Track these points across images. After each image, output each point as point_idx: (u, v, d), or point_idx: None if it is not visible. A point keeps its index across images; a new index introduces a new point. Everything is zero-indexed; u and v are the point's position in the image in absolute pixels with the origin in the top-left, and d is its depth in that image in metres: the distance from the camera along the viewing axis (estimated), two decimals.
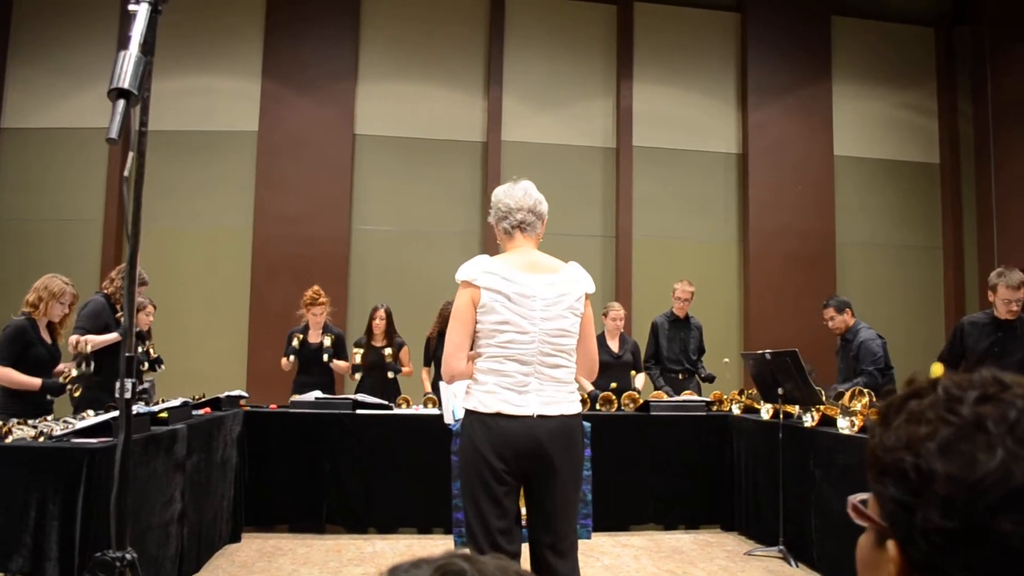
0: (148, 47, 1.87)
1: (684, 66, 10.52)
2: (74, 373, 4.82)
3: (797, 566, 5.44)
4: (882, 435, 0.77)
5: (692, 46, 10.56)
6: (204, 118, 9.60)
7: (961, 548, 0.67)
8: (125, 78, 1.78)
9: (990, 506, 0.66)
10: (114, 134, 1.72)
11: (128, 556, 1.93)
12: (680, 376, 7.51)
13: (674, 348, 7.52)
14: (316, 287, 7.02)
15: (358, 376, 7.16)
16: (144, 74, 1.83)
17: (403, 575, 0.72)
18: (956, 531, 0.67)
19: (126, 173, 1.86)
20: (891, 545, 0.73)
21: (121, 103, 1.78)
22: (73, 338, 5.25)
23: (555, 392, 3.15)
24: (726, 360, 7.91)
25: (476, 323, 3.15)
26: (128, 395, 1.88)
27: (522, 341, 3.11)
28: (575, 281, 3.24)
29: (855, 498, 0.82)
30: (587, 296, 3.28)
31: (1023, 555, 0.65)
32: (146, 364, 5.87)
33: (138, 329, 6.01)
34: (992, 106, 10.66)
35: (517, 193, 3.32)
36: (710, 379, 7.56)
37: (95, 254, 9.23)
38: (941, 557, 0.68)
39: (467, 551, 0.76)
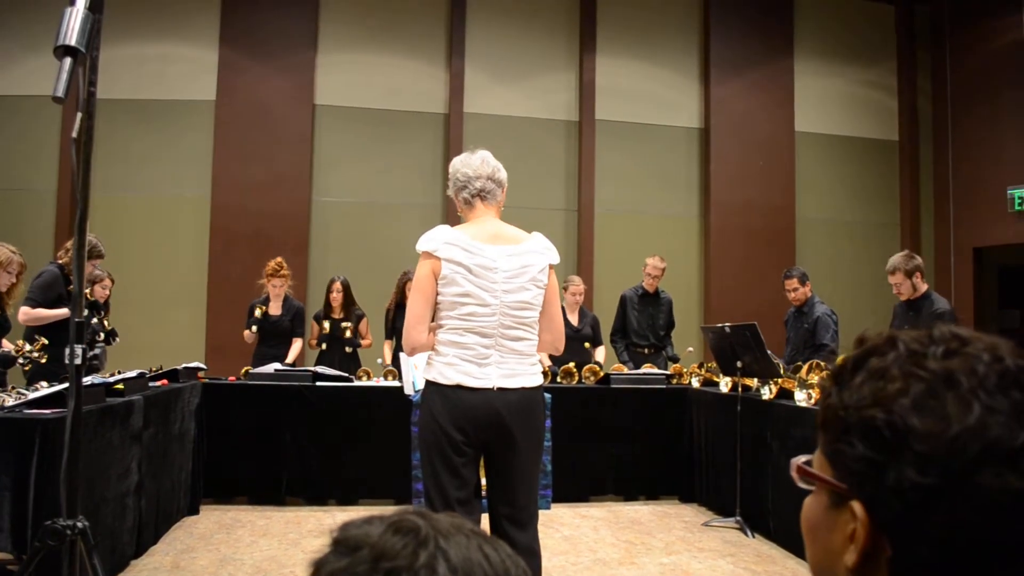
0: (97, 4, 1.81)
1: (647, 40, 10.50)
2: (27, 348, 4.73)
3: (753, 536, 5.52)
4: (841, 394, 0.76)
5: (655, 20, 10.54)
6: (161, 86, 9.41)
7: (940, 504, 0.67)
8: (72, 35, 1.73)
9: (970, 460, 0.66)
10: (60, 93, 1.67)
11: (79, 524, 1.90)
12: (646, 351, 7.52)
13: (643, 322, 7.53)
14: (279, 258, 6.95)
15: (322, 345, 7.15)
16: (92, 32, 1.78)
17: (355, 531, 0.70)
18: (934, 487, 0.67)
19: (74, 134, 1.81)
20: (857, 506, 0.72)
21: (68, 61, 1.72)
22: (22, 311, 5.16)
23: (516, 365, 3.14)
24: (690, 349, 7.95)
25: (437, 294, 3.13)
26: (78, 361, 1.84)
27: (483, 314, 3.09)
28: (539, 252, 3.21)
29: (799, 460, 0.81)
30: (551, 268, 3.26)
31: (1002, 507, 0.66)
32: (101, 335, 5.77)
33: (93, 300, 5.90)
34: (951, 84, 10.79)
35: (475, 161, 3.28)
36: (675, 359, 7.58)
37: (48, 225, 9.02)
38: (917, 515, 0.68)
39: (421, 508, 0.74)
